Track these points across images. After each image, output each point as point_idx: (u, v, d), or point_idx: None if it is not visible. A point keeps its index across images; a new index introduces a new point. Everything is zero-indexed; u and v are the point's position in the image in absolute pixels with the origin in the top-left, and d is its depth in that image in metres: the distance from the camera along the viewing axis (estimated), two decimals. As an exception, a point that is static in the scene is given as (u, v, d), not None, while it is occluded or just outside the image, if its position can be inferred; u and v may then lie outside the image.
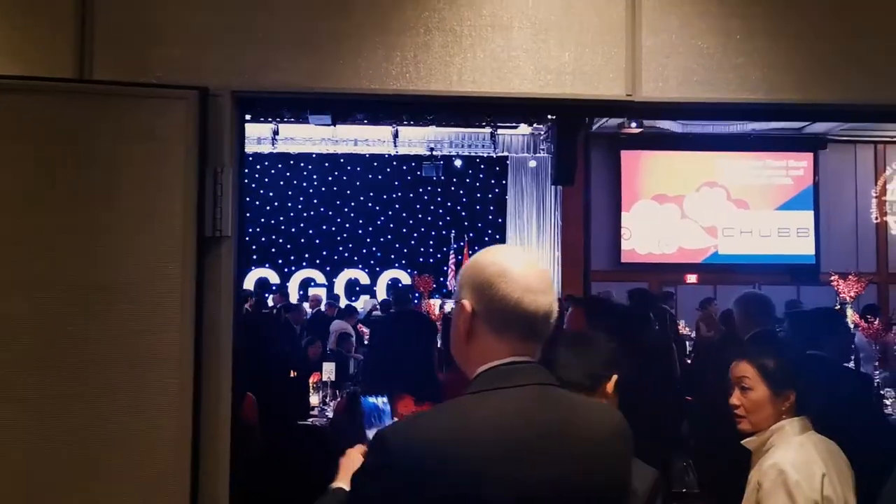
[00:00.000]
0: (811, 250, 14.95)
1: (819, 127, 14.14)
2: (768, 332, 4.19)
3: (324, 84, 2.51)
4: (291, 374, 6.37)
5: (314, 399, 6.30)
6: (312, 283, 15.62)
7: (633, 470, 1.45)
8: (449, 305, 12.11)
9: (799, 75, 2.53)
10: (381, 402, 4.02)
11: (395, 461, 1.22)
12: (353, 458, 1.57)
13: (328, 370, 6.59)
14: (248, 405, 3.69)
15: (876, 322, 7.15)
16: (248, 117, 2.76)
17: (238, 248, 2.52)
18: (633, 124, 12.97)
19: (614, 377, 2.02)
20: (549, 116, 12.76)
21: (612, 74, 2.52)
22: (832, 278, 11.65)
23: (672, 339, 6.79)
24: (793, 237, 15.02)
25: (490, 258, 1.39)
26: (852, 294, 11.22)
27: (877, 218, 15.01)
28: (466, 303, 1.38)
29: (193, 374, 2.30)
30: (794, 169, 15.15)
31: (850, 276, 11.47)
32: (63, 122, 2.26)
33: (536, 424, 1.28)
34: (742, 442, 2.42)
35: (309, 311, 12.08)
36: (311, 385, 6.42)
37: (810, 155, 15.02)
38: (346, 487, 1.45)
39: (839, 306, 10.41)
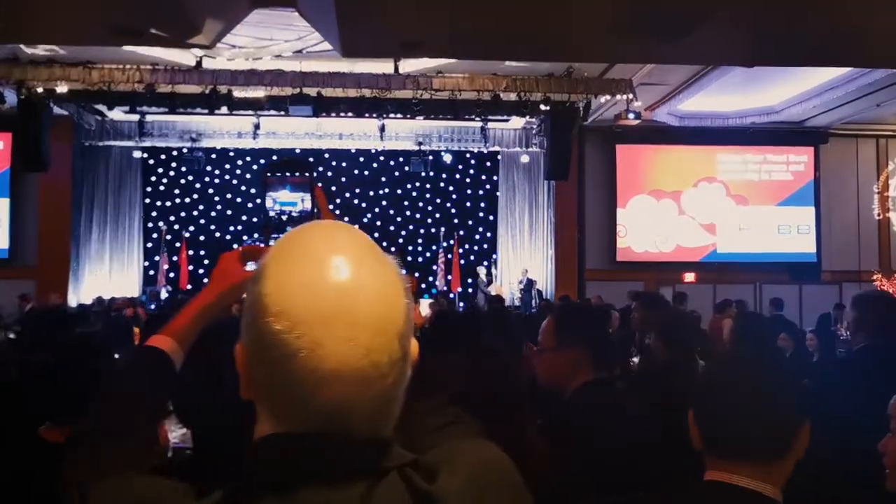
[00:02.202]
0: (812, 248, 13.80)
1: (820, 120, 12.99)
2: (875, 348, 2.90)
3: None
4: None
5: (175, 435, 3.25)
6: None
7: None
8: (425, 307, 10.48)
9: None
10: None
11: None
12: (227, 267, 1.16)
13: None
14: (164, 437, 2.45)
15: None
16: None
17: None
18: (631, 115, 11.61)
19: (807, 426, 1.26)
20: (543, 108, 11.34)
21: None
22: (874, 277, 10.31)
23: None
24: (793, 234, 13.82)
25: (274, 271, 0.72)
26: (901, 295, 9.90)
27: (879, 214, 13.95)
28: (239, 346, 0.75)
29: None
30: (794, 164, 13.94)
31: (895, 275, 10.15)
32: None
33: None
34: None
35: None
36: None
37: (811, 149, 13.86)
38: (169, 345, 1.10)
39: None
